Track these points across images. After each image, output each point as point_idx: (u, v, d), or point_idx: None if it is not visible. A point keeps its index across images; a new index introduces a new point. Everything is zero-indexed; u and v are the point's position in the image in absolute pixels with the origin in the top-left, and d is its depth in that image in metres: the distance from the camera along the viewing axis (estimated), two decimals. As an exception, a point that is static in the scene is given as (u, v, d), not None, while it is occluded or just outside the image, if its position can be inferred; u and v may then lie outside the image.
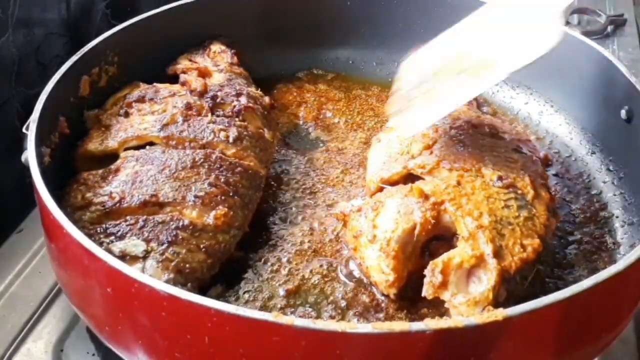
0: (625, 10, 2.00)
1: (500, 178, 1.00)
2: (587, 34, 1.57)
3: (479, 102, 1.38)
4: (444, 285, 0.89)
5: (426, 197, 0.97)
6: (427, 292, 0.90)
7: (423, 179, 1.03)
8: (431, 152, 1.07)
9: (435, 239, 0.97)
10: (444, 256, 0.91)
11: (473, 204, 0.95)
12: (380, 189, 1.05)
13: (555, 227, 1.02)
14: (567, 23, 1.81)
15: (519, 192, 1.00)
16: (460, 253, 0.91)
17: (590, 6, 1.96)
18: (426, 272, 0.91)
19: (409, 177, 1.05)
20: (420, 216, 0.95)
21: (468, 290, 0.89)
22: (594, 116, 1.26)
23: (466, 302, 0.88)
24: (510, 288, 0.91)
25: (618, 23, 1.92)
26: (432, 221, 0.95)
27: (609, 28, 1.89)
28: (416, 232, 0.94)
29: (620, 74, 1.16)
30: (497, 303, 0.88)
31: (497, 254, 0.90)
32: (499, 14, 1.11)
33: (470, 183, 0.99)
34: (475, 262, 0.90)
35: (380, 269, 0.94)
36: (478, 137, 1.10)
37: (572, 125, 1.32)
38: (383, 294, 0.97)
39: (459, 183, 0.99)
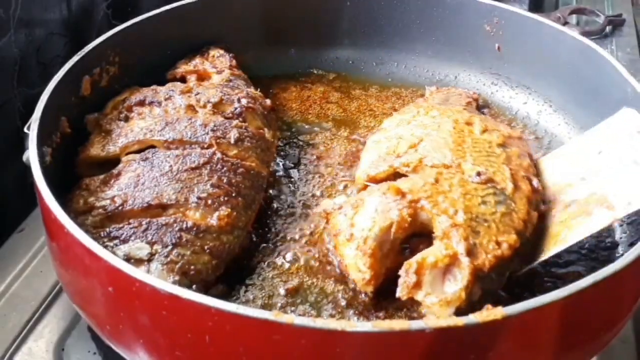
0: (623, 10, 2.00)
1: (478, 173, 1.00)
2: (585, 34, 1.57)
3: (478, 104, 1.38)
4: (417, 285, 0.89)
5: (403, 194, 0.97)
6: (401, 292, 0.90)
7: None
8: (416, 150, 1.07)
9: (415, 235, 0.97)
10: (418, 256, 0.91)
11: (449, 202, 0.95)
12: (367, 187, 1.06)
13: (536, 220, 1.01)
14: (566, 23, 1.82)
15: (499, 187, 1.00)
16: (434, 252, 0.91)
17: (588, 6, 1.97)
18: (400, 272, 0.91)
19: (398, 176, 1.05)
20: (397, 214, 0.95)
21: (443, 290, 0.89)
22: (593, 116, 1.26)
23: (438, 303, 0.88)
24: (485, 286, 0.91)
25: (616, 23, 1.92)
26: (409, 219, 0.95)
27: (608, 28, 1.90)
28: (393, 230, 0.94)
29: (618, 73, 1.16)
30: (470, 302, 0.88)
31: (470, 252, 0.90)
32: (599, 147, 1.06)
33: (448, 180, 0.99)
34: (449, 261, 0.90)
35: (357, 268, 0.95)
36: (464, 134, 1.10)
37: (571, 125, 1.32)
38: (382, 293, 0.97)
39: (437, 180, 0.99)
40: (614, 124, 1.06)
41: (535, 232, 1.01)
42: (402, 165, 1.05)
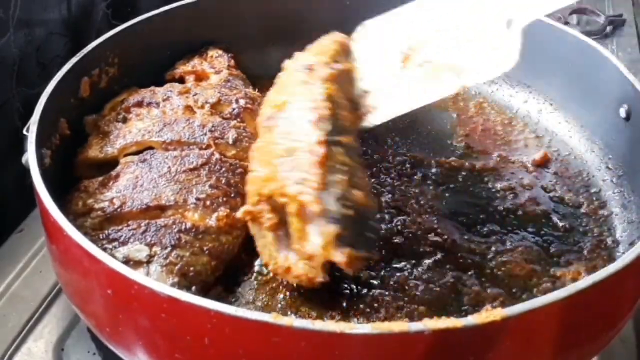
0: (624, 10, 2.00)
1: (266, 118, 1.01)
2: (586, 34, 1.56)
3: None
4: (310, 257, 0.90)
5: (250, 211, 0.95)
6: (315, 282, 0.91)
7: None
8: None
9: None
10: (280, 258, 0.93)
11: (268, 171, 0.94)
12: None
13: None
14: (566, 23, 1.82)
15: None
16: (294, 227, 0.91)
17: (589, 6, 1.97)
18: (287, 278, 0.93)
19: None
20: (266, 222, 0.93)
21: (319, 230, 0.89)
22: (593, 114, 1.26)
23: (324, 250, 0.89)
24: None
25: (617, 23, 1.92)
26: (274, 215, 0.93)
27: (608, 28, 1.90)
28: (280, 234, 0.93)
29: (619, 72, 1.16)
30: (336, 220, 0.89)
31: (293, 197, 0.90)
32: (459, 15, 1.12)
33: (259, 151, 0.98)
34: (301, 216, 0.90)
35: (311, 282, 0.94)
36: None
37: (571, 123, 1.32)
38: (382, 294, 0.97)
39: (257, 158, 0.98)
40: None
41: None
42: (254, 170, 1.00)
